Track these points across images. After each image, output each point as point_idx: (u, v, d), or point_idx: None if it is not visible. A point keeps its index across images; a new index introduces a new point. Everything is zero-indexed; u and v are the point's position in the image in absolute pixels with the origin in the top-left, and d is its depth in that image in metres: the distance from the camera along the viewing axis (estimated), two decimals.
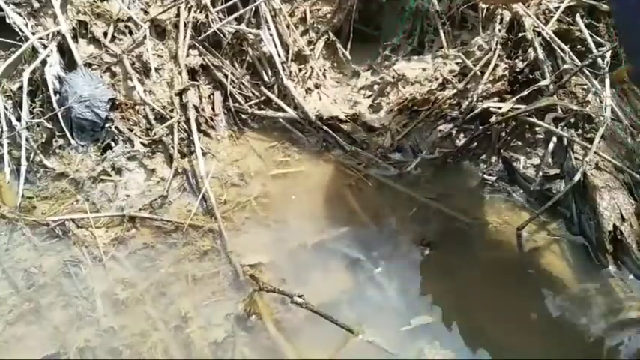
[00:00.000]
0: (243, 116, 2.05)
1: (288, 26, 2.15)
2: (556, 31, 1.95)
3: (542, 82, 1.78)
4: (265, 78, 2.10)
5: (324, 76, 2.20)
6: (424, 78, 2.00)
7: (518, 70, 1.90)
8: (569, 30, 1.96)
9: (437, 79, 1.97)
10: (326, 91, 2.14)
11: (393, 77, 2.03)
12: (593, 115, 1.71)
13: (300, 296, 1.40)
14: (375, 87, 2.04)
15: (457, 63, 2.00)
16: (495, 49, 1.89)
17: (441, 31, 2.08)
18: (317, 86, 2.13)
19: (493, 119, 1.77)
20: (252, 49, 2.13)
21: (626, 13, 1.19)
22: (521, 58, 1.91)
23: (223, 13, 2.16)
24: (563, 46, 1.84)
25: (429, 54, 2.12)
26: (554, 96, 1.75)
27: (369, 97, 2.04)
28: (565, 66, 1.79)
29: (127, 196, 1.79)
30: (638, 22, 1.16)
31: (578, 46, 1.95)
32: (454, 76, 1.96)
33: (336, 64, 2.29)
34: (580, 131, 1.74)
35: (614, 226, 1.48)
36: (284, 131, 2.00)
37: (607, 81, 1.74)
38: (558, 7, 1.96)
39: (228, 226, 1.68)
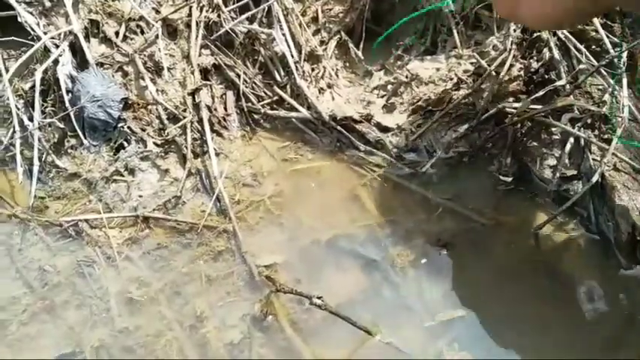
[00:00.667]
0: (255, 116, 2.04)
1: (300, 25, 2.14)
2: (571, 31, 1.94)
3: (558, 83, 1.77)
4: (278, 78, 2.09)
5: (337, 75, 2.19)
6: (438, 78, 1.98)
7: (533, 70, 1.89)
8: (585, 30, 1.95)
9: (451, 79, 1.96)
10: (339, 91, 2.13)
11: (407, 77, 2.02)
12: (609, 116, 1.69)
13: (319, 297, 1.39)
14: (389, 87, 2.03)
15: (471, 63, 1.99)
16: (510, 49, 1.88)
17: (455, 31, 2.07)
18: (330, 86, 2.12)
19: (509, 119, 1.75)
20: (265, 49, 2.12)
21: None
22: (536, 58, 1.90)
23: (235, 12, 2.15)
24: (579, 45, 1.82)
25: (442, 54, 2.11)
26: (571, 96, 1.73)
27: (382, 97, 2.03)
28: (581, 66, 1.78)
29: (140, 196, 1.78)
30: None
31: (594, 47, 1.94)
32: (468, 76, 1.95)
33: (348, 64, 2.28)
34: (597, 132, 1.73)
35: (634, 226, 1.46)
36: (297, 131, 1.99)
37: (624, 81, 1.73)
38: None
39: (242, 226, 1.67)
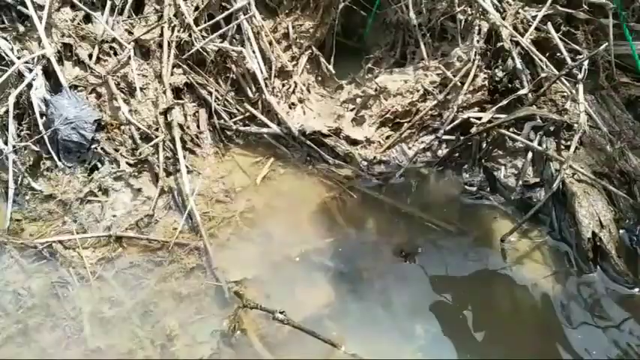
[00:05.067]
0: (228, 132, 2.07)
1: (270, 43, 2.17)
2: (535, 40, 1.98)
3: (521, 92, 1.81)
4: (250, 94, 2.13)
5: (308, 90, 2.23)
6: (405, 90, 2.02)
7: (497, 79, 1.93)
8: (548, 38, 1.99)
9: (418, 90, 2.00)
10: (310, 106, 2.17)
11: (375, 90, 2.06)
12: (571, 123, 1.72)
13: (281, 312, 1.41)
14: (358, 100, 2.07)
15: (438, 74, 2.03)
16: (474, 60, 1.92)
17: (422, 43, 2.11)
18: (301, 101, 2.16)
19: (474, 129, 1.79)
20: (236, 66, 2.15)
21: None
22: (500, 67, 1.94)
23: (206, 31, 2.19)
24: (540, 55, 1.86)
25: (410, 66, 2.15)
26: (534, 105, 1.77)
27: (351, 110, 2.07)
28: (543, 74, 1.82)
29: (114, 215, 1.81)
30: None
31: (558, 54, 1.99)
32: (435, 87, 1.99)
33: (320, 78, 2.32)
34: (560, 139, 1.76)
35: (594, 232, 1.49)
36: (269, 146, 2.03)
37: (580, 88, 1.76)
38: (536, 16, 1.99)
39: (213, 242, 1.70)
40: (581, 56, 1.87)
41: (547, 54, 2.01)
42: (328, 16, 2.30)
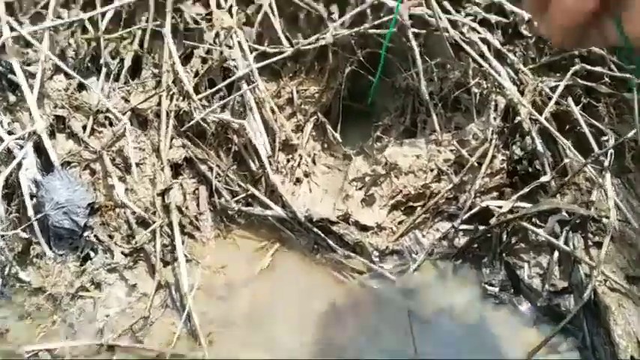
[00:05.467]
0: (230, 212, 1.95)
1: (273, 111, 2.04)
2: (555, 113, 1.85)
3: (543, 179, 1.68)
4: (253, 167, 2.00)
5: (314, 162, 2.10)
6: (418, 168, 1.89)
7: (516, 157, 1.80)
8: (567, 111, 1.86)
9: (432, 170, 1.87)
10: (316, 180, 2.04)
11: (386, 166, 1.92)
12: (598, 218, 1.59)
13: None
14: (367, 179, 1.93)
15: (451, 150, 1.90)
16: (492, 139, 1.79)
17: (434, 114, 1.98)
18: (307, 175, 2.03)
19: (493, 221, 1.66)
20: (238, 137, 2.03)
21: None
22: (518, 143, 1.81)
23: (208, 99, 2.07)
24: (563, 140, 1.73)
25: (422, 138, 2.02)
26: (558, 196, 1.63)
27: (360, 189, 1.94)
28: (567, 160, 1.69)
29: (107, 315, 1.69)
30: None
31: (578, 127, 1.86)
32: (449, 167, 1.86)
33: (326, 145, 2.20)
34: (587, 232, 1.63)
35: (632, 357, 1.36)
36: (273, 229, 1.90)
37: (608, 178, 1.63)
38: (556, 88, 1.86)
39: (213, 351, 1.57)
40: (605, 138, 1.74)
41: (566, 127, 1.88)
42: (334, 80, 2.18)
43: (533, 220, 1.65)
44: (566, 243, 1.57)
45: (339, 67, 2.14)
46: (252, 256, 1.84)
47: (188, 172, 2.01)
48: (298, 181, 2.01)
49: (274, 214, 1.88)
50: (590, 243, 1.59)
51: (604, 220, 1.59)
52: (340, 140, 2.12)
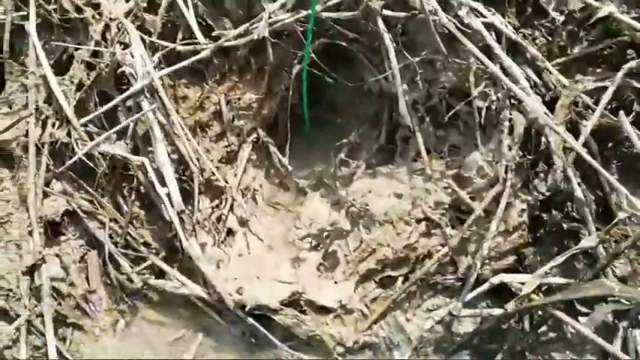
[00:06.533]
0: (133, 286, 1.37)
1: (189, 138, 1.43)
2: (596, 128, 1.27)
3: (586, 244, 1.11)
4: (165, 215, 1.40)
5: (254, 200, 1.52)
6: (398, 217, 1.31)
7: (541, 198, 1.22)
8: (613, 124, 1.28)
9: (418, 220, 1.29)
10: (256, 229, 1.46)
11: (351, 212, 1.34)
12: None
13: None
14: (325, 235, 1.35)
15: (445, 188, 1.32)
16: (506, 179, 1.21)
17: (418, 133, 1.39)
18: (242, 223, 1.45)
19: (510, 306, 1.10)
20: (142, 171, 1.43)
21: None
22: (546, 183, 1.23)
23: (96, 123, 1.45)
24: (619, 186, 1.14)
25: (402, 164, 1.43)
26: (609, 271, 1.08)
27: (316, 247, 1.36)
28: (621, 215, 1.11)
29: None
30: None
31: (628, 145, 1.30)
32: (442, 214, 1.29)
33: (272, 172, 1.61)
34: None
35: None
36: (195, 312, 1.34)
37: None
38: (596, 91, 1.28)
39: None
40: None
41: (609, 144, 1.32)
42: (278, 83, 1.56)
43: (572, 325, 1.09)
44: (624, 346, 1.03)
45: (283, 64, 1.52)
46: (166, 353, 1.28)
47: (72, 231, 1.42)
48: (231, 232, 1.43)
49: (193, 294, 1.31)
50: None
51: None
52: (290, 169, 1.53)
